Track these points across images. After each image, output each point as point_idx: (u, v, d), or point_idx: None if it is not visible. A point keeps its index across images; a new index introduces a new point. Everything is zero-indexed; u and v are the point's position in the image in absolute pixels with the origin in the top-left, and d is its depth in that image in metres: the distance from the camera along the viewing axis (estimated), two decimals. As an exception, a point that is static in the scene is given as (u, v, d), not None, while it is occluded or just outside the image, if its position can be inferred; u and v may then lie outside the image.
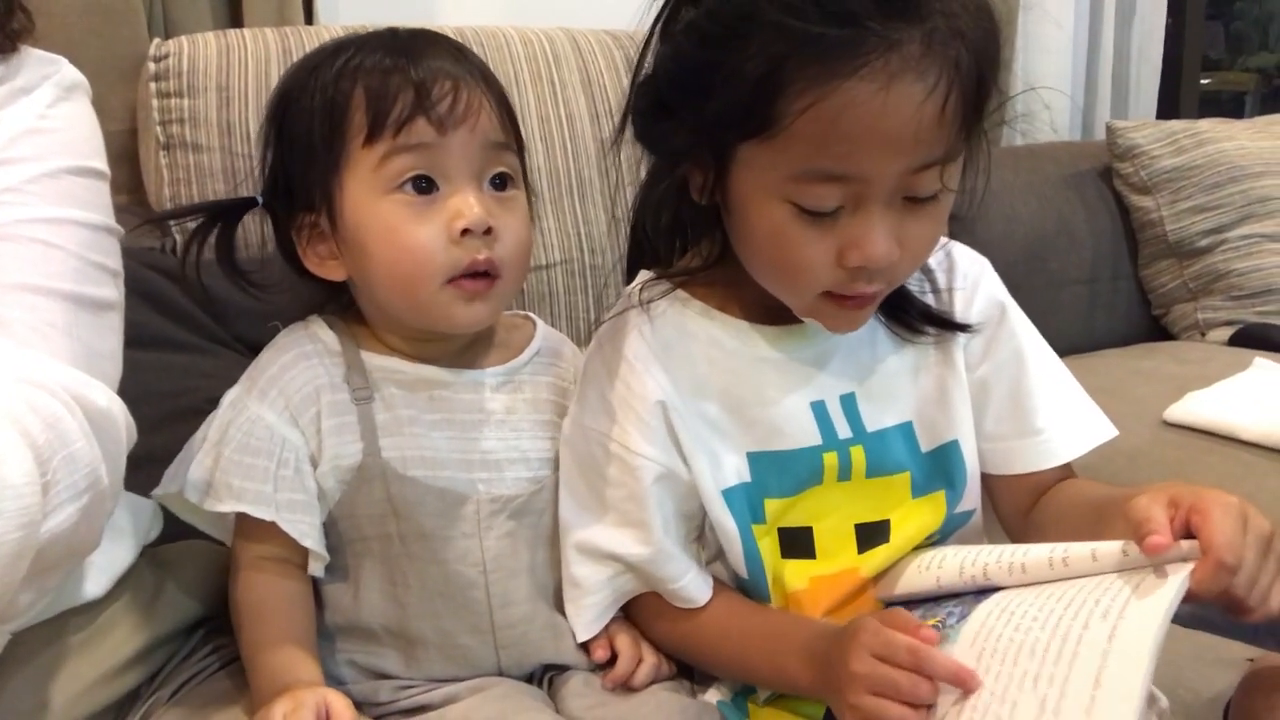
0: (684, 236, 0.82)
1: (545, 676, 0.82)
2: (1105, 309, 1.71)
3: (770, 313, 0.78)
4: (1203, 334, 1.66)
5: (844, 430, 0.77)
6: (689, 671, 0.82)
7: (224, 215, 0.83)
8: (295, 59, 1.02)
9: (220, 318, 0.95)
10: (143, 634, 0.76)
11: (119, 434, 0.62)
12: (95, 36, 1.10)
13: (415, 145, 0.74)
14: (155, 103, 1.07)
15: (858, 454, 0.77)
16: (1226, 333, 1.62)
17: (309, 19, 1.33)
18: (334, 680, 0.77)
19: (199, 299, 0.89)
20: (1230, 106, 2.79)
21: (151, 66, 1.07)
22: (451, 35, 1.12)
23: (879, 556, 0.77)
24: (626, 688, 0.78)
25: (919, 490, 0.79)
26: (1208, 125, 1.73)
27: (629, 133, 0.75)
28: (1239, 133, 1.72)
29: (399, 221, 0.75)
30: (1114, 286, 1.71)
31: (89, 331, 0.66)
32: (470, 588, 0.78)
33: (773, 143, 0.64)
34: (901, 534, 0.77)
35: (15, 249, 0.65)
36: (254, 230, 0.94)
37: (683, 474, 0.76)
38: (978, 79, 0.65)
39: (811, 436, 0.77)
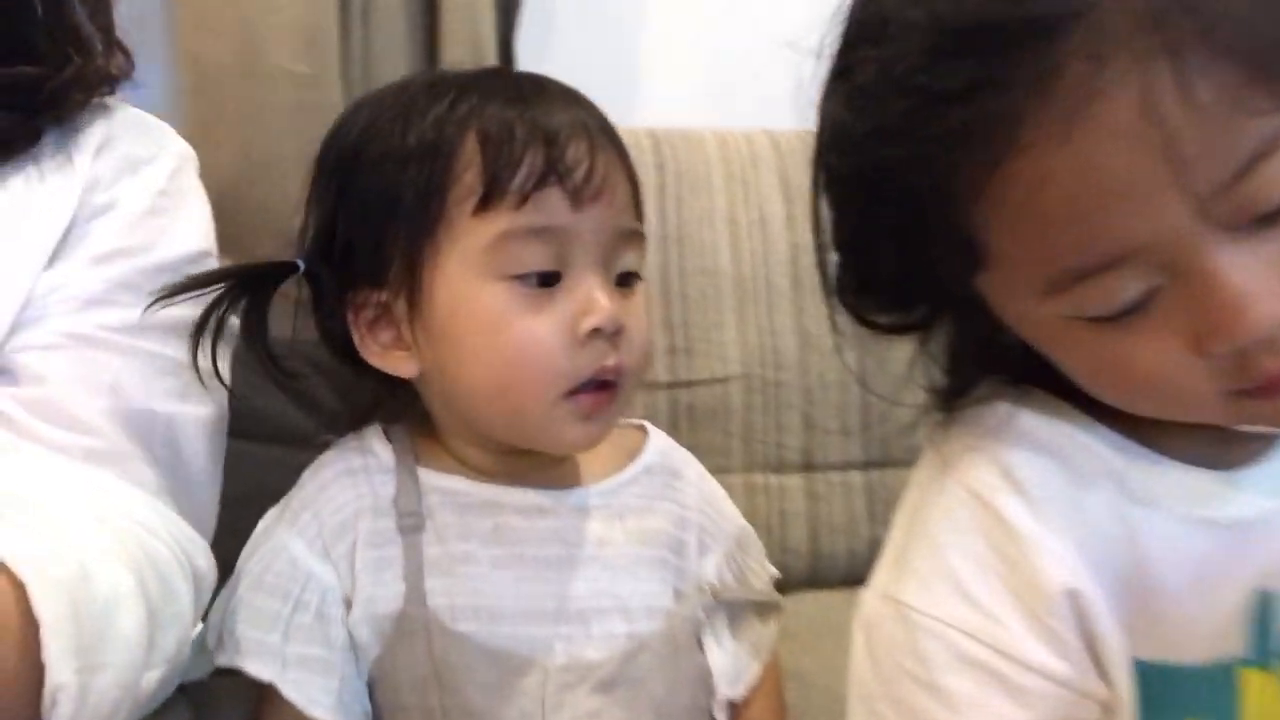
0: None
1: None
2: None
3: (1196, 437, 0.50)
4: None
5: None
6: None
7: (255, 283, 0.66)
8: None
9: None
10: None
11: (205, 601, 0.58)
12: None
13: (544, 227, 0.60)
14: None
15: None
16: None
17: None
18: None
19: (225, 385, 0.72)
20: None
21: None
22: (644, 136, 1.09)
23: None
24: None
25: None
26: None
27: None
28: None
29: (512, 314, 0.61)
30: None
31: (193, 455, 0.62)
32: None
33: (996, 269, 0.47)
34: None
35: (126, 362, 0.60)
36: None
37: (1094, 690, 0.50)
38: None
39: (1233, 643, 0.51)
